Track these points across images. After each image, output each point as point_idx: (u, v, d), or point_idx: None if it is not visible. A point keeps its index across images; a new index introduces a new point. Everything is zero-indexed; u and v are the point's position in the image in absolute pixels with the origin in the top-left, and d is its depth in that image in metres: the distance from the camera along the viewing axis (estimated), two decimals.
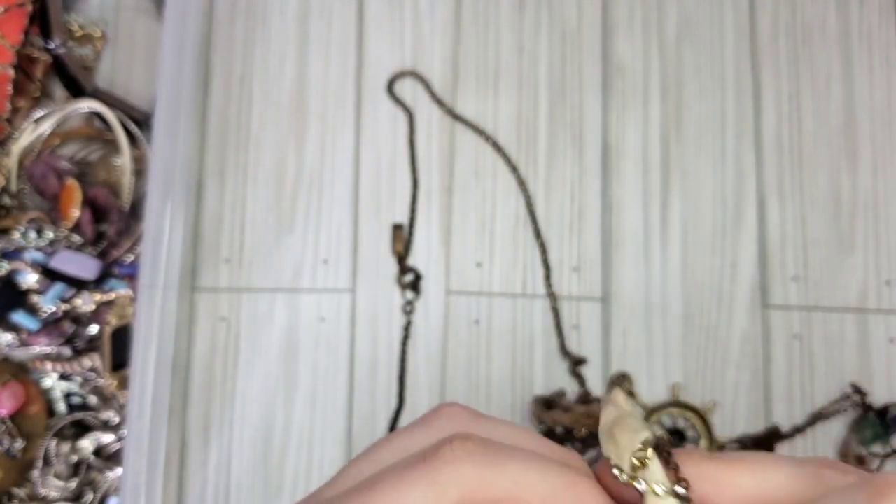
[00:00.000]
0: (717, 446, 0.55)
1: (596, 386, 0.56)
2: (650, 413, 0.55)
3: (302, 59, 0.60)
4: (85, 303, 0.53)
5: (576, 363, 0.56)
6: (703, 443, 0.55)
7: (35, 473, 0.51)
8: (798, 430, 0.56)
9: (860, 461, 0.55)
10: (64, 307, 0.52)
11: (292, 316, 0.57)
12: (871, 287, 0.59)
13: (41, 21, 0.57)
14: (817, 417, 0.56)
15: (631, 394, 0.56)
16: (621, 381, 0.56)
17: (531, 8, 0.62)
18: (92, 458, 0.52)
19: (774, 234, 0.59)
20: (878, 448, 0.55)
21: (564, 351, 0.56)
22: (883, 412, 0.55)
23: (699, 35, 0.62)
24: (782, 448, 0.56)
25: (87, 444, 0.52)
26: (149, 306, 0.48)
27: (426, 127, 0.60)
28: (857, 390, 0.56)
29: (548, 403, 0.55)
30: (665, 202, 0.59)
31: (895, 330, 0.58)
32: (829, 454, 0.56)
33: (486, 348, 0.57)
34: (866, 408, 0.55)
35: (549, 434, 0.55)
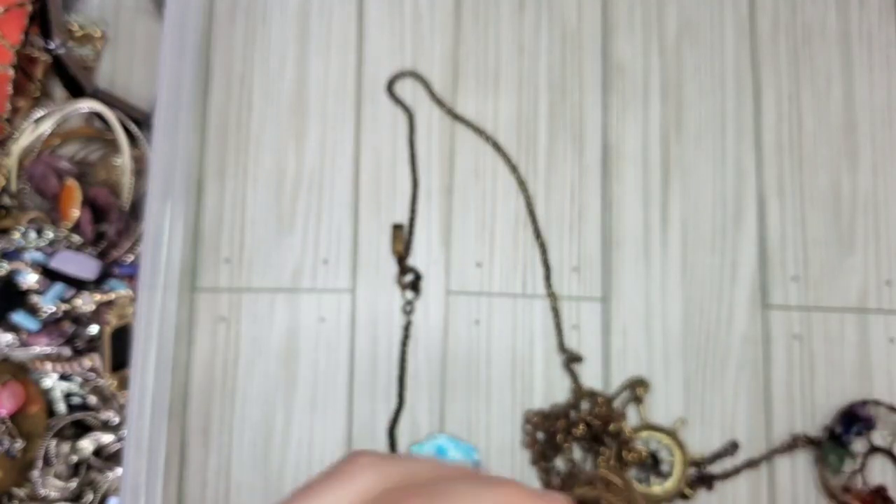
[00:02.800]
0: (688, 464, 0.54)
1: (595, 386, 0.56)
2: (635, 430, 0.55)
3: (302, 59, 0.60)
4: (85, 303, 0.53)
5: (570, 360, 0.56)
6: (678, 467, 0.54)
7: (35, 473, 0.51)
8: (752, 463, 0.55)
9: (846, 490, 0.54)
10: (64, 307, 0.52)
11: (292, 316, 0.57)
12: (871, 287, 0.59)
13: (41, 21, 0.57)
14: (773, 453, 0.55)
15: (640, 399, 0.55)
16: (637, 385, 0.55)
17: (531, 8, 0.62)
18: (92, 458, 0.52)
19: (774, 234, 0.59)
20: (848, 466, 0.54)
21: (562, 348, 0.56)
22: (833, 436, 0.55)
23: (699, 35, 0.62)
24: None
25: (87, 444, 0.52)
26: (149, 306, 0.48)
27: (426, 127, 0.60)
28: (804, 437, 0.55)
29: (546, 416, 0.55)
30: (665, 202, 0.59)
31: (895, 330, 0.58)
32: (809, 486, 0.56)
33: (486, 348, 0.57)
34: (815, 442, 0.55)
35: (549, 436, 0.55)
